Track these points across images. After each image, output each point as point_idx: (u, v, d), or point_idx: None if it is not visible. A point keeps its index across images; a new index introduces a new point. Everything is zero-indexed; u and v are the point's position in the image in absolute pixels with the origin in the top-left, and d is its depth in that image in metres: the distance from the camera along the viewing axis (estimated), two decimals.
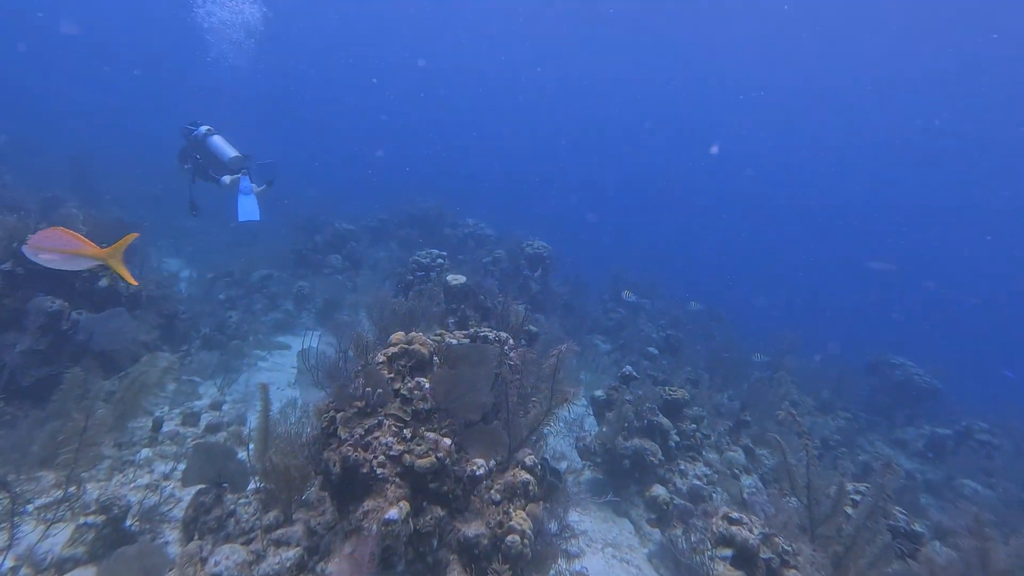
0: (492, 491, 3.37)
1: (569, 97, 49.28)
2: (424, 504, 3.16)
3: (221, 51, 17.84)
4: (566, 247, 14.65)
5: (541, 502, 3.43)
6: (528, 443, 3.91)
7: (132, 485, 4.13)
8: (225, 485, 3.61)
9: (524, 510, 3.19)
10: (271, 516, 3.26)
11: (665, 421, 5.42)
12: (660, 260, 25.10)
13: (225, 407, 5.78)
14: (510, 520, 3.10)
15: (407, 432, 3.28)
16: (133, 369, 4.42)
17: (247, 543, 3.14)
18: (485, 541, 3.11)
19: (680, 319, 10.97)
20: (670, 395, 5.64)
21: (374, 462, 3.09)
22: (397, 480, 3.08)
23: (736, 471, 5.63)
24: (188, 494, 3.81)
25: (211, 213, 15.16)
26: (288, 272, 10.16)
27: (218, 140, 6.43)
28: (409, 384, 3.55)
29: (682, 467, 5.24)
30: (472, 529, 3.15)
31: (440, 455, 3.15)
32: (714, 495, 4.93)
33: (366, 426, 3.26)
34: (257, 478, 3.61)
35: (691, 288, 17.02)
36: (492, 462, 3.68)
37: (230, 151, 6.38)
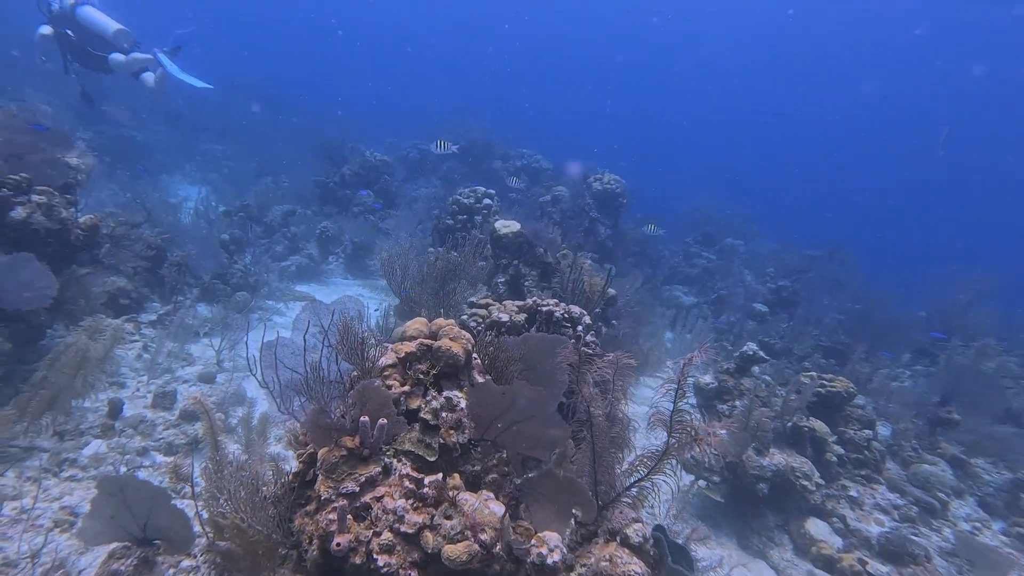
0: None
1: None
2: None
3: None
4: (634, 180, 12.30)
5: None
6: (621, 501, 2.30)
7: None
8: (156, 543, 2.30)
9: None
10: None
11: (820, 425, 3.70)
12: (742, 192, 21.72)
13: (220, 379, 4.58)
14: None
15: (428, 487, 1.78)
16: (61, 344, 3.14)
17: None
18: None
19: (791, 265, 8.67)
20: (826, 387, 3.87)
21: (373, 544, 1.64)
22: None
23: (943, 495, 3.81)
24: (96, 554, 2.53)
25: (242, 134, 13.42)
26: (313, 209, 8.76)
27: (92, 12, 5.40)
28: (434, 403, 2.05)
29: (853, 493, 3.56)
30: None
31: (485, 539, 1.64)
32: (924, 543, 3.23)
33: (362, 477, 1.80)
34: (208, 531, 2.28)
35: (790, 226, 13.95)
36: (568, 535, 2.16)
37: (112, 23, 5.37)
